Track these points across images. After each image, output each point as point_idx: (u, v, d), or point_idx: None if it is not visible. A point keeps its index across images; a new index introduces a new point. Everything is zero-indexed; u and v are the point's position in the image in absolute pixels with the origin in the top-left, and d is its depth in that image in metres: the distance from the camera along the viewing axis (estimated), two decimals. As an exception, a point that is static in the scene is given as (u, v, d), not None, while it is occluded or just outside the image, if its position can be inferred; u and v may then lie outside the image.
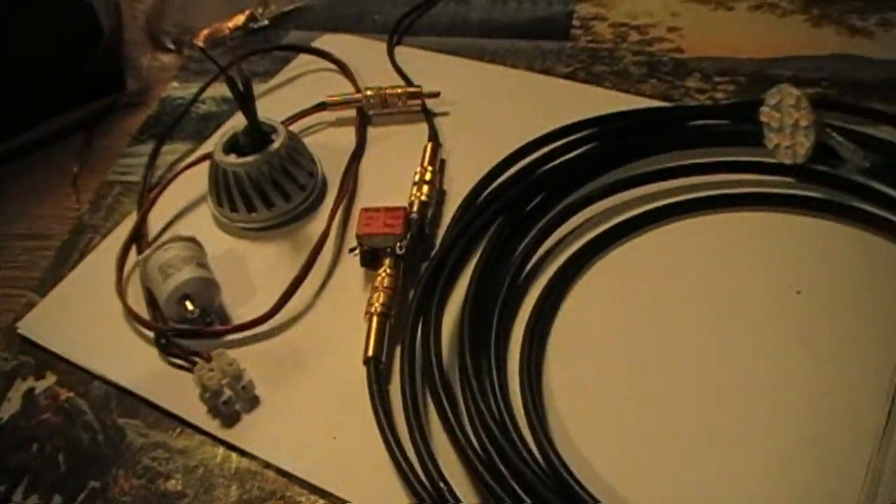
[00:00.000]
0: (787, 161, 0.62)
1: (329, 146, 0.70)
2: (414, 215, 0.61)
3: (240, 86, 0.60)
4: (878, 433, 0.50)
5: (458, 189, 0.64)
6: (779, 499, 0.47)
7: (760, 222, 0.61)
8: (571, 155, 0.64)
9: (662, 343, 0.55)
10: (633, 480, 0.48)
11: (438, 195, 0.65)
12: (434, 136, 0.69)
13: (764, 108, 0.62)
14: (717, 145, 0.65)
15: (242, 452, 0.53)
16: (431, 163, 0.65)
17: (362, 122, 0.72)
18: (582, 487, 0.46)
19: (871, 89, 0.71)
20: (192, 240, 0.60)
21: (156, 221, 0.67)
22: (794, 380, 0.52)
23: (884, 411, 0.50)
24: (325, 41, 0.82)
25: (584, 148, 0.65)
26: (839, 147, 0.61)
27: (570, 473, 0.47)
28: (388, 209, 0.59)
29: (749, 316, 0.56)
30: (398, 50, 0.80)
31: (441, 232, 0.62)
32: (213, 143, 0.66)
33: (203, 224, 0.66)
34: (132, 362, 0.57)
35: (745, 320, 0.55)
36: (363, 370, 0.53)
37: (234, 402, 0.54)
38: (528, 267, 0.59)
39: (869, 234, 0.59)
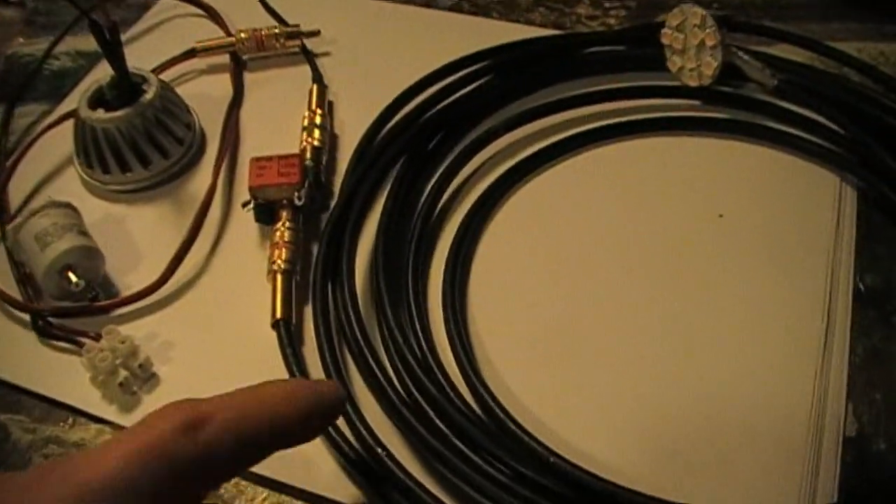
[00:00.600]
0: (693, 83, 0.60)
1: (204, 96, 0.64)
2: (308, 162, 0.56)
3: (105, 32, 0.54)
4: (819, 350, 0.48)
5: (350, 133, 0.60)
6: (721, 428, 0.46)
7: (672, 147, 0.59)
8: (468, 89, 0.60)
9: (584, 274, 0.53)
10: (563, 413, 0.46)
11: (330, 140, 0.60)
12: (318, 78, 0.64)
13: (665, 30, 0.60)
14: (617, 72, 0.63)
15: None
16: (319, 105, 0.61)
17: (238, 68, 0.66)
18: (525, 431, 0.43)
19: (761, 11, 0.70)
20: (69, 206, 0.54)
21: (17, 192, 0.60)
22: (728, 304, 0.50)
23: (821, 327, 0.49)
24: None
25: (480, 81, 0.61)
26: (745, 66, 0.59)
27: (510, 417, 0.44)
28: (280, 157, 0.54)
29: (674, 241, 0.54)
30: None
31: (337, 179, 0.58)
32: (74, 101, 0.59)
33: (72, 190, 0.59)
34: (6, 350, 0.51)
35: (670, 246, 0.53)
36: (272, 335, 0.49)
37: (131, 384, 0.48)
38: (439, 207, 0.56)
39: (781, 152, 0.58)
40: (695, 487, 0.43)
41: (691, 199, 0.55)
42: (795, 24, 0.69)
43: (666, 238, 0.54)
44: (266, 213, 0.54)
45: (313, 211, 0.55)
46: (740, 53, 0.59)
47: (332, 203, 0.55)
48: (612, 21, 0.69)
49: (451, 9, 0.71)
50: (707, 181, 0.56)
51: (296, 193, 0.53)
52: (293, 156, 0.54)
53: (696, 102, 0.61)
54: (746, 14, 0.70)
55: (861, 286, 0.51)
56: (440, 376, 0.46)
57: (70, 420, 0.48)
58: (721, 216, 0.55)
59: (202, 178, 0.59)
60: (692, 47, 0.59)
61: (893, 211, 0.54)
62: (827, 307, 0.50)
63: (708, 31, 0.58)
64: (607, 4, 0.70)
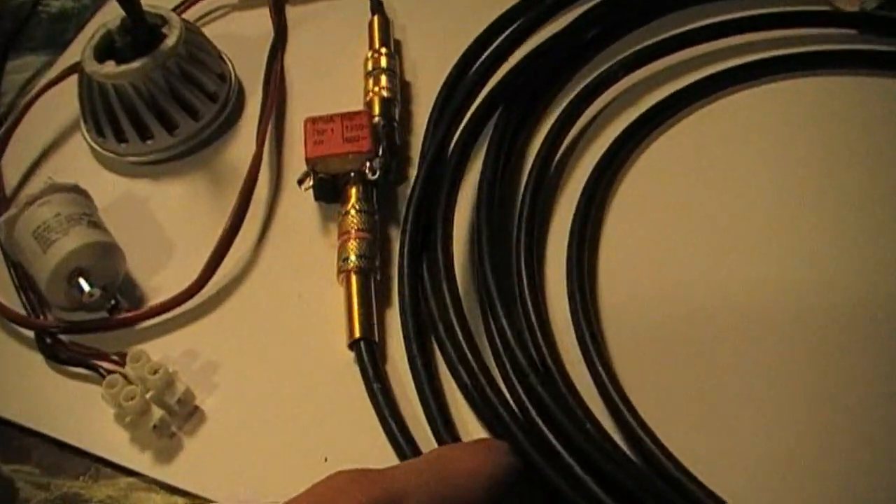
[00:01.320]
0: (850, 8, 0.50)
1: (239, 38, 0.53)
2: (378, 119, 0.45)
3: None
4: None
5: (425, 79, 0.49)
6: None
7: (822, 88, 0.47)
8: (574, 19, 0.48)
9: (741, 250, 0.42)
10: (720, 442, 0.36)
11: (401, 89, 0.48)
12: (379, 7, 0.52)
13: None
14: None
15: (190, 495, 0.37)
16: (384, 43, 0.49)
17: (279, 2, 0.54)
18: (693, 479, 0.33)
19: None
20: (76, 189, 0.43)
21: (11, 170, 0.49)
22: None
23: None
24: None
25: (587, 6, 0.49)
26: None
27: (668, 455, 0.34)
28: (344, 116, 0.43)
29: (845, 213, 0.42)
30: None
31: (415, 141, 0.46)
32: (78, 51, 0.48)
33: (80, 165, 0.49)
34: (8, 381, 0.41)
35: (840, 219, 0.42)
36: (348, 354, 0.39)
37: (168, 424, 0.38)
38: (551, 171, 0.44)
39: None
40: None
41: (841, 148, 0.45)
42: None
43: (836, 206, 0.42)
44: (329, 191, 0.43)
45: (388, 184, 0.44)
46: None
47: (413, 173, 0.44)
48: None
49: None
50: (863, 127, 0.45)
51: (367, 164, 0.42)
52: (359, 113, 0.43)
53: (852, 32, 0.49)
54: None
55: None
56: (565, 390, 0.35)
57: (92, 470, 0.38)
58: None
59: (242, 143, 0.48)
60: None
61: None
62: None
63: None
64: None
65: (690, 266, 0.41)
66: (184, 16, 0.51)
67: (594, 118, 0.46)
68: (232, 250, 0.42)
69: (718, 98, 0.47)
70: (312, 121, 0.43)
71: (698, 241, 0.42)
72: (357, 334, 0.38)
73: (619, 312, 0.40)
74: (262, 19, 0.54)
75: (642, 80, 0.47)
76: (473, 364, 0.36)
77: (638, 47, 0.48)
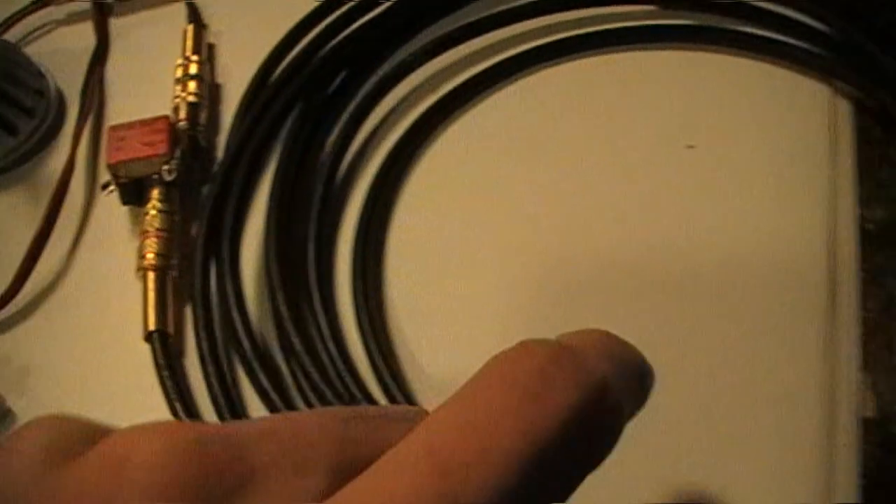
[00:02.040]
0: None
1: (62, 52, 0.53)
2: (182, 123, 0.46)
3: None
4: (824, 315, 0.39)
5: (237, 82, 0.49)
6: (718, 412, 0.37)
7: (627, 65, 0.48)
8: (372, 15, 0.49)
9: (534, 230, 0.43)
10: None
11: (212, 92, 0.50)
12: (195, 16, 0.53)
13: None
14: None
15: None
16: (195, 51, 0.50)
17: (101, 16, 0.55)
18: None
19: None
20: None
21: None
22: (705, 256, 0.41)
23: (824, 284, 0.39)
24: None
25: (387, 3, 0.50)
26: None
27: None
28: (144, 122, 0.44)
29: (635, 186, 0.44)
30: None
31: (222, 140, 0.47)
32: None
33: None
34: None
35: (631, 192, 0.43)
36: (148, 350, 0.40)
37: None
38: (345, 164, 0.45)
39: (757, 61, 0.47)
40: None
41: (653, 129, 0.45)
42: None
43: (626, 182, 0.44)
44: (134, 194, 0.44)
45: (194, 183, 0.45)
46: None
47: (215, 171, 0.45)
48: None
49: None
50: (671, 106, 0.46)
51: (164, 167, 0.43)
52: (160, 119, 0.44)
53: (652, 8, 0.50)
54: None
55: (869, 226, 0.41)
56: (354, 385, 0.36)
57: None
58: (691, 147, 0.44)
59: (61, 154, 0.48)
60: None
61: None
62: (829, 256, 0.40)
63: None
64: None
65: (479, 250, 0.42)
66: (5, 36, 0.52)
67: (394, 108, 0.47)
68: (48, 258, 0.43)
69: (515, 80, 0.47)
70: (114, 128, 0.44)
71: (489, 227, 0.43)
72: (151, 327, 0.40)
73: (406, 301, 0.41)
74: (86, 32, 0.54)
75: (441, 69, 0.48)
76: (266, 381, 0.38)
77: (434, 35, 0.48)
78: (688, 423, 0.37)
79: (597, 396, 0.19)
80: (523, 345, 0.19)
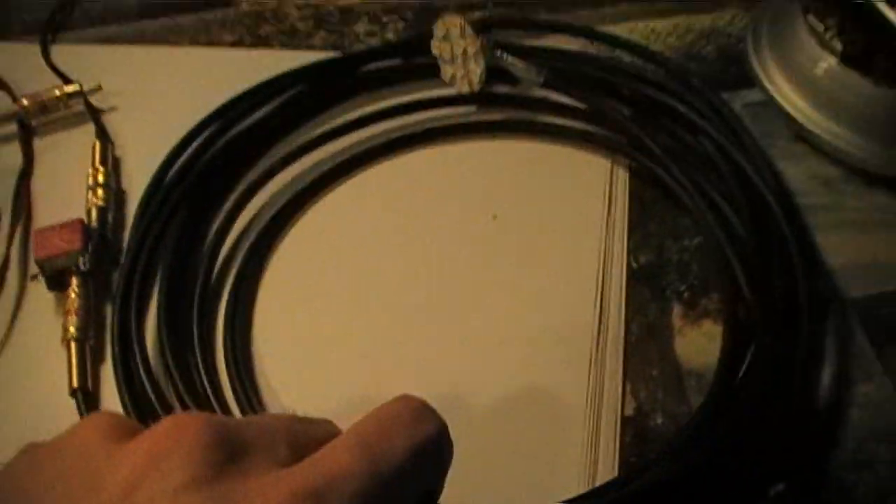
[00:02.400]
0: (466, 90, 0.63)
1: None
2: (93, 224, 0.58)
3: None
4: (594, 334, 0.52)
5: (138, 186, 0.61)
6: (503, 415, 0.50)
7: (447, 155, 0.62)
8: (244, 126, 0.63)
9: (367, 288, 0.56)
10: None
11: (118, 196, 0.62)
12: (101, 134, 0.65)
13: (434, 41, 0.63)
14: (396, 84, 0.66)
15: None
16: (102, 163, 0.62)
17: (26, 135, 0.67)
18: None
19: (535, 2, 0.73)
20: None
21: None
22: (505, 298, 0.55)
23: (594, 311, 0.53)
24: (-30, 52, 0.76)
25: (258, 115, 0.63)
26: (512, 67, 0.62)
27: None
28: (62, 225, 0.56)
29: (452, 246, 0.57)
30: (55, 50, 0.74)
31: (126, 235, 0.59)
32: None
33: None
34: None
35: (449, 251, 0.57)
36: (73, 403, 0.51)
37: None
38: (221, 255, 0.58)
39: (552, 144, 0.62)
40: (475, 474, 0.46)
41: (466, 203, 0.59)
42: (568, 13, 0.72)
43: (444, 244, 0.57)
44: (57, 282, 0.56)
45: (104, 271, 0.57)
46: (504, 55, 0.62)
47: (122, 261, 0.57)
48: (390, 35, 0.72)
49: (233, 45, 0.73)
50: (481, 184, 0.60)
51: (81, 259, 0.55)
52: (74, 221, 0.56)
53: (473, 108, 0.64)
54: (521, 7, 0.73)
55: (635, 265, 0.55)
56: None
57: None
58: (495, 217, 0.58)
59: None
60: (458, 56, 0.62)
61: (663, 184, 0.58)
62: (600, 290, 0.54)
63: (468, 38, 0.61)
64: (385, 19, 0.73)
65: (323, 307, 0.55)
66: None
67: (263, 206, 0.60)
68: None
69: (357, 174, 0.61)
70: (39, 230, 0.56)
71: (332, 288, 0.56)
72: (75, 385, 0.51)
73: (270, 353, 0.53)
74: (14, 151, 0.66)
75: (301, 171, 0.61)
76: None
77: (296, 143, 0.62)
78: (487, 420, 0.49)
79: (443, 429, 0.33)
80: (407, 396, 0.34)
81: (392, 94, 0.65)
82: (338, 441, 0.31)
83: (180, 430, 0.29)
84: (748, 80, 0.64)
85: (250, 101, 0.63)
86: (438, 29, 0.62)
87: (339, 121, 0.63)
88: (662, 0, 0.73)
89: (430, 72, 0.64)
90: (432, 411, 0.34)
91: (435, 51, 0.63)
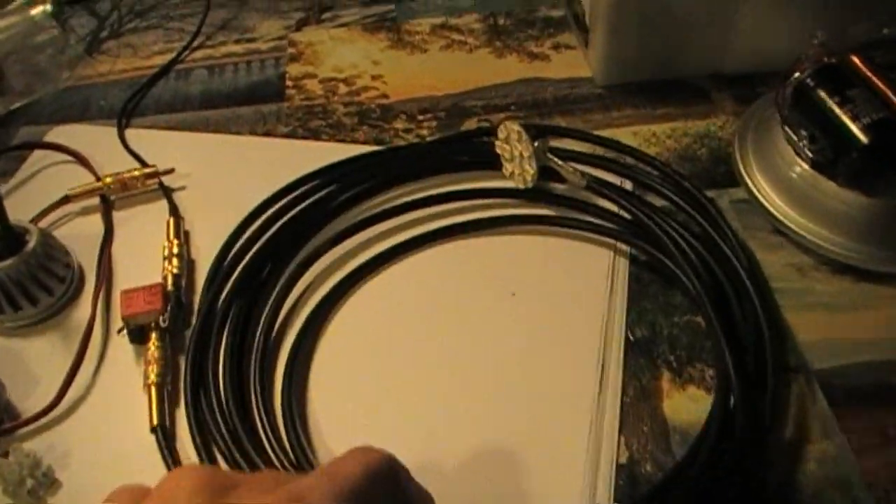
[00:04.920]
0: (520, 186, 0.72)
1: (79, 236, 0.74)
2: (170, 288, 0.67)
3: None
4: (594, 395, 0.60)
5: (205, 256, 0.70)
6: (509, 483, 0.57)
7: (484, 244, 0.71)
8: (297, 210, 0.72)
9: (405, 366, 0.63)
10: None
11: (188, 265, 0.70)
12: (174, 211, 0.74)
13: (497, 141, 0.72)
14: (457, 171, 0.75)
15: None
16: (176, 236, 0.71)
17: (107, 209, 0.76)
18: None
19: (552, 106, 0.83)
20: None
21: None
22: (520, 364, 0.63)
23: (596, 375, 0.61)
24: (57, 133, 0.85)
25: (310, 200, 0.73)
26: (561, 170, 0.71)
27: None
28: (145, 288, 0.65)
29: (475, 319, 0.66)
30: (129, 133, 0.84)
31: (197, 298, 0.68)
32: None
33: None
34: None
35: (474, 324, 0.65)
36: (152, 438, 0.59)
37: (37, 490, 0.58)
38: (274, 333, 0.66)
39: (565, 238, 0.71)
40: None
41: (490, 284, 0.68)
42: (581, 116, 0.82)
43: (471, 319, 0.66)
44: (139, 336, 0.64)
45: (178, 329, 0.66)
46: (555, 159, 0.71)
47: (193, 321, 0.66)
48: (424, 132, 0.81)
49: (287, 136, 0.82)
50: (506, 269, 0.69)
51: (161, 318, 0.64)
52: (155, 285, 0.65)
53: (524, 201, 0.73)
54: (539, 111, 0.83)
55: (631, 337, 0.64)
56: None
57: (-15, 529, 0.57)
58: (513, 294, 0.67)
59: (83, 308, 0.69)
60: (516, 157, 0.71)
61: (657, 267, 0.67)
62: (601, 358, 0.62)
63: (524, 143, 0.70)
64: (420, 117, 0.83)
65: (366, 380, 0.62)
66: (40, 223, 0.72)
67: (311, 282, 0.68)
68: (77, 378, 0.62)
69: (399, 260, 0.70)
70: (125, 292, 0.65)
71: (374, 364, 0.64)
72: (154, 423, 0.59)
73: (323, 411, 0.61)
74: (96, 221, 0.75)
75: (348, 250, 0.70)
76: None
77: (344, 225, 0.71)
78: (502, 463, 0.57)
79: (390, 456, 0.40)
80: (365, 448, 0.40)
81: (453, 179, 0.75)
82: (312, 478, 0.37)
83: (183, 477, 0.36)
84: (734, 179, 0.73)
85: (305, 185, 0.73)
86: (501, 132, 0.72)
87: (387, 205, 0.73)
88: (662, 106, 0.83)
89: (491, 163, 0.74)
90: (376, 448, 0.40)
91: (498, 150, 0.73)
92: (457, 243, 0.71)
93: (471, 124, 0.81)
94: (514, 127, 0.70)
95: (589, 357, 0.62)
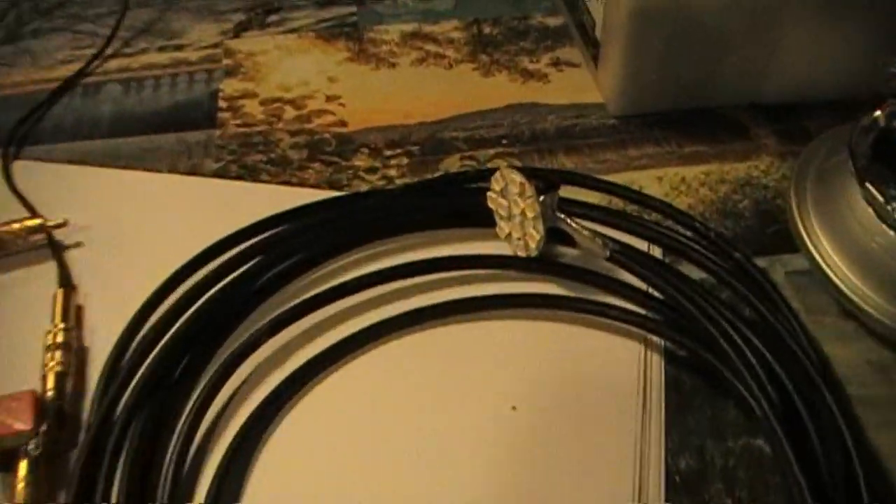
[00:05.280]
0: (521, 254, 0.58)
1: None
2: (49, 394, 0.51)
3: None
4: None
5: (102, 342, 0.54)
6: None
7: (472, 334, 0.56)
8: (225, 282, 0.55)
9: (374, 482, 0.49)
10: None
11: (78, 356, 0.54)
12: (65, 279, 0.58)
13: (490, 194, 0.57)
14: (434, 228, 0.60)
15: None
16: (64, 318, 0.55)
17: (-25, 274, 0.59)
18: None
19: (554, 140, 0.68)
20: None
21: None
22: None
23: None
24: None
25: (242, 269, 0.56)
26: (576, 235, 0.56)
27: None
28: (11, 397, 0.49)
29: (466, 439, 0.50)
30: (17, 166, 0.67)
31: (88, 405, 0.52)
32: None
33: None
34: None
35: (462, 446, 0.50)
36: None
37: None
38: (191, 454, 0.50)
39: (578, 326, 0.56)
40: None
41: (482, 393, 0.52)
42: (590, 154, 0.68)
43: (455, 442, 0.50)
44: (3, 462, 0.48)
45: (60, 450, 0.49)
46: (569, 220, 0.56)
47: (81, 441, 0.49)
48: (392, 172, 0.66)
49: (217, 173, 0.66)
50: (503, 371, 0.54)
51: (30, 442, 0.47)
52: (25, 394, 0.49)
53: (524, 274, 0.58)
54: (538, 146, 0.68)
55: (676, 475, 0.49)
56: None
57: None
58: (514, 408, 0.51)
59: None
60: (517, 216, 0.56)
61: (702, 368, 0.52)
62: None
63: (528, 201, 0.55)
64: (388, 153, 0.67)
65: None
66: None
67: (244, 382, 0.52)
68: None
69: (363, 352, 0.54)
70: None
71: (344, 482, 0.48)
72: None
73: None
74: None
75: (294, 337, 0.54)
76: None
77: (289, 304, 0.54)
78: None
79: None
80: None
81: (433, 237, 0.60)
82: None
83: None
84: (791, 243, 0.59)
85: (237, 245, 0.57)
86: (496, 182, 0.56)
87: (343, 276, 0.57)
88: (690, 143, 0.68)
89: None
90: None
91: (491, 204, 0.58)
92: (435, 331, 0.55)
93: (452, 162, 0.67)
94: (515, 177, 0.55)
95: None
